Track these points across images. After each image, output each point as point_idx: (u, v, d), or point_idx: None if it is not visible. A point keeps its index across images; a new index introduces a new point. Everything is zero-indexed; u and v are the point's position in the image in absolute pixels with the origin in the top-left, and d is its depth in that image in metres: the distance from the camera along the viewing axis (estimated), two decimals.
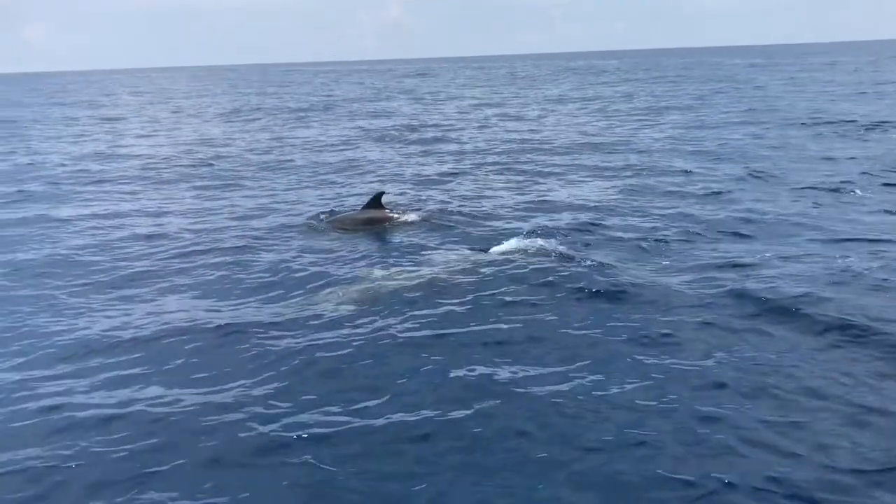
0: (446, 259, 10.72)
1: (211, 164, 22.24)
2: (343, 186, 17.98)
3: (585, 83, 67.72)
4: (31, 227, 14.20)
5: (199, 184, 18.83)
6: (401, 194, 16.51)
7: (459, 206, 14.97)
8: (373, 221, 13.45)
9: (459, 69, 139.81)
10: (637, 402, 6.12)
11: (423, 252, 11.36)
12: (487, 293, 9.08)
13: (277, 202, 16.16)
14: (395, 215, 13.74)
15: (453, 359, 7.12)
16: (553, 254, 10.67)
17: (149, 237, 13.08)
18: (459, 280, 9.65)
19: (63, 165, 23.15)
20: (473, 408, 6.07)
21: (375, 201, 13.71)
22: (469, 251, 11.19)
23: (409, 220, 13.66)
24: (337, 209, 14.76)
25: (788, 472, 5.01)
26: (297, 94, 66.44)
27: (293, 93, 68.28)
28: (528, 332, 7.79)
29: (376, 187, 17.28)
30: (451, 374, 6.76)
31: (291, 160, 22.78)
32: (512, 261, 10.43)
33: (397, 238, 12.59)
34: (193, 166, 22.07)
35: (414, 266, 10.46)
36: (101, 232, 13.73)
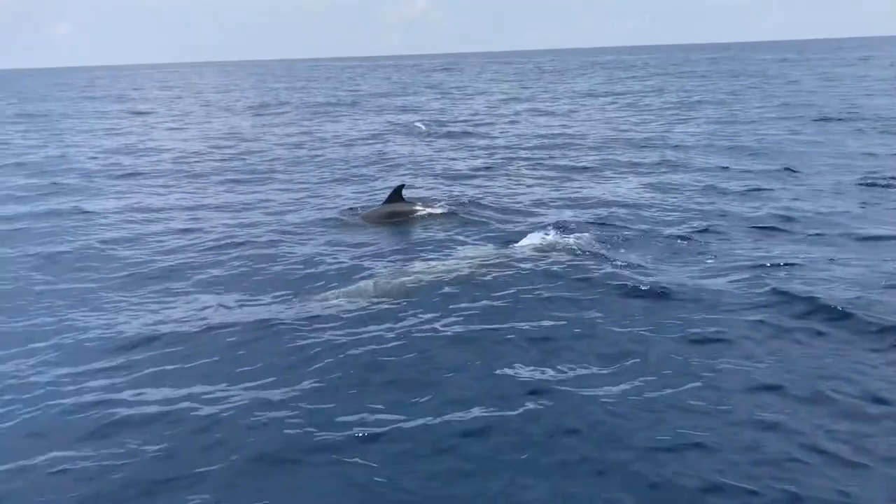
0: (479, 253, 10.61)
1: (243, 158, 22.29)
2: (375, 180, 17.90)
3: (614, 78, 67.11)
4: (65, 220, 14.28)
5: (231, 177, 18.86)
6: (432, 188, 16.42)
7: (490, 200, 14.85)
8: (397, 215, 13.37)
9: (485, 64, 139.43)
10: (689, 402, 5.95)
11: (455, 246, 11.29)
12: (525, 289, 8.95)
13: (310, 196, 16.12)
14: (419, 208, 13.65)
15: (497, 355, 7.00)
16: (588, 251, 10.50)
17: (183, 231, 13.09)
18: (495, 274, 9.53)
19: (95, 158, 23.35)
20: (522, 406, 5.95)
21: (396, 194, 13.59)
22: (501, 246, 11.09)
23: (436, 212, 13.61)
24: (367, 204, 14.68)
25: (858, 486, 4.80)
26: (325, 88, 66.63)
27: (321, 87, 68.50)
28: (571, 329, 7.64)
29: (406, 181, 17.22)
30: (497, 371, 6.64)
31: (321, 154, 22.76)
32: (546, 256, 10.30)
33: (427, 232, 12.49)
34: (225, 160, 22.13)
35: (446, 260, 10.38)
36: (135, 225, 13.77)
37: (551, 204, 14.41)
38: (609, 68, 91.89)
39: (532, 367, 6.69)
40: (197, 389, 6.50)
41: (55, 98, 64.21)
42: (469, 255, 10.60)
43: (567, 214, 13.28)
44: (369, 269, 10.10)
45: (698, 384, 6.28)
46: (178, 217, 14.37)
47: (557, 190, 15.84)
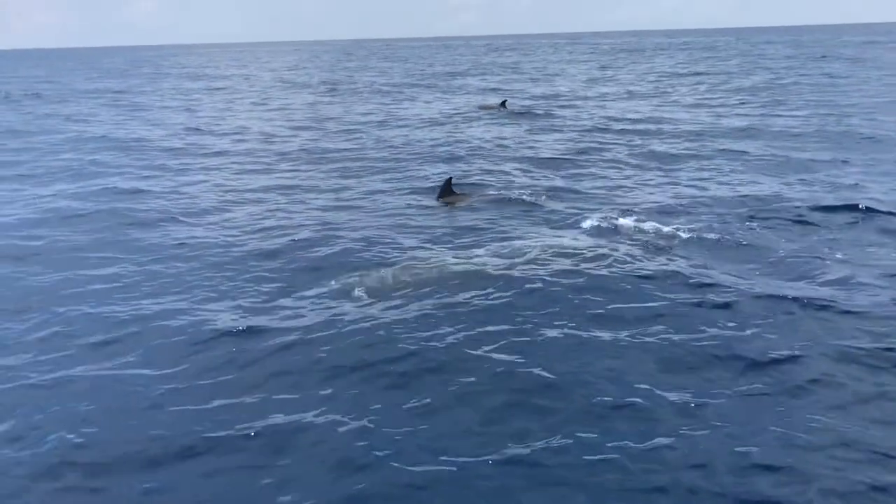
0: (563, 243, 10.11)
1: (324, 137, 21.98)
2: (458, 161, 17.23)
3: (695, 58, 64.50)
4: (153, 202, 14.08)
5: (314, 157, 18.53)
6: (513, 173, 15.71)
7: (574, 187, 14.28)
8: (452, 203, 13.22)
9: (559, 45, 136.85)
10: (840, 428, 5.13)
11: (495, 237, 10.78)
12: (550, 288, 8.35)
13: (396, 177, 15.70)
14: (474, 197, 13.42)
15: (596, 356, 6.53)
16: (686, 254, 9.64)
17: (273, 210, 12.78)
18: (582, 267, 9.01)
19: (177, 136, 23.39)
20: (633, 425, 5.42)
21: (447, 186, 13.40)
22: (554, 235, 10.64)
23: (491, 200, 13.28)
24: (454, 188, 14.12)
25: None
26: (399, 68, 66.22)
27: (395, 67, 68.14)
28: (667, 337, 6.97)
29: (496, 166, 16.55)
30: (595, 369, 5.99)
31: (404, 135, 22.27)
32: (643, 253, 9.62)
33: (477, 221, 11.90)
34: (309, 140, 21.86)
35: (528, 248, 9.87)
36: (232, 207, 13.50)
37: (640, 197, 13.37)
38: (687, 49, 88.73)
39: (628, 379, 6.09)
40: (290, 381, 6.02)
41: (140, 75, 65.58)
42: (516, 246, 10.07)
43: (666, 209, 12.31)
44: (449, 251, 9.93)
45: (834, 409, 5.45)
46: (261, 198, 14.07)
47: (647, 180, 14.85)
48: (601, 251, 9.65)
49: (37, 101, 38.62)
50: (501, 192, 13.85)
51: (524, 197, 13.32)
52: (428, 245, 10.43)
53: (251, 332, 7.32)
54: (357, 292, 8.34)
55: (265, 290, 8.67)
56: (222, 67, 79.88)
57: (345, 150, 19.61)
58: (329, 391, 6.08)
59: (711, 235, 10.38)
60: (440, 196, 13.30)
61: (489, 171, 16.02)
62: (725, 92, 33.05)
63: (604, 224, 11.15)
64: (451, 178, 13.49)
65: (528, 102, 30.78)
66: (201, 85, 50.22)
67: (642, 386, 5.99)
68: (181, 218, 12.53)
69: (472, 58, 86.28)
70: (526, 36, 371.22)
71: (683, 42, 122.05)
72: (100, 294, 8.64)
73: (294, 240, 10.84)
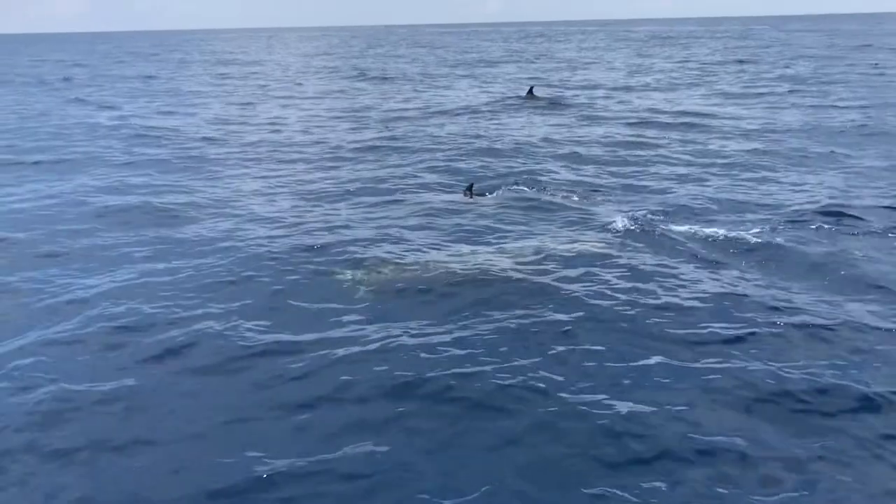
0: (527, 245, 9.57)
1: (364, 127, 21.40)
2: (501, 155, 16.53)
3: (732, 47, 62.89)
4: (187, 197, 13.59)
5: (357, 148, 17.95)
6: (565, 168, 14.93)
7: (619, 184, 13.57)
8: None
9: (588, 31, 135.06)
10: None
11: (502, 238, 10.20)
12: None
13: (430, 169, 15.22)
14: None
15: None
16: (749, 266, 8.82)
17: (317, 199, 12.24)
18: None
19: (217, 126, 22.95)
20: (707, 476, 4.76)
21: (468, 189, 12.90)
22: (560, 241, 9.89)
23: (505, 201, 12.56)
24: (481, 184, 13.54)
25: None
26: (431, 55, 65.36)
27: (427, 54, 67.28)
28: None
29: (534, 161, 15.85)
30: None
31: (442, 124, 21.65)
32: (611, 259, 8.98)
33: (538, 220, 11.27)
34: (349, 130, 21.32)
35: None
36: (268, 201, 13.00)
37: (690, 198, 12.40)
38: (721, 37, 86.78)
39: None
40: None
41: (178, 61, 65.44)
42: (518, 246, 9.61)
43: (699, 209, 11.60)
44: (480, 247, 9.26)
45: None
46: (305, 189, 13.55)
47: (698, 179, 13.93)
48: (642, 258, 8.98)
49: (70, 87, 38.46)
50: (538, 188, 13.19)
51: (560, 194, 12.67)
52: (453, 244, 9.96)
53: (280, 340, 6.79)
54: (362, 290, 8.07)
55: (294, 289, 8.22)
56: (252, 53, 79.59)
57: (383, 141, 19.02)
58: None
59: (777, 246, 9.40)
60: (467, 191, 12.72)
61: (527, 166, 15.36)
62: (770, 81, 31.92)
63: (647, 228, 10.27)
64: (472, 185, 12.78)
65: (567, 93, 29.87)
66: (232, 71, 49.84)
67: (712, 428, 5.31)
68: (219, 212, 12.01)
69: (504, 45, 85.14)
70: (554, 23, 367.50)
71: (717, 30, 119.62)
72: (134, 294, 8.15)
73: (325, 233, 10.45)
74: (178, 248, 10.05)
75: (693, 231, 10.07)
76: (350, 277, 8.46)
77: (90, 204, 12.70)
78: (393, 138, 19.45)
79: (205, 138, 20.05)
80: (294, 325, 7.27)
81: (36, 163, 16.74)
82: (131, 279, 8.70)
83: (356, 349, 6.60)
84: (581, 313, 7.33)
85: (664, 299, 7.66)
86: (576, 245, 9.54)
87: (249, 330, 7.14)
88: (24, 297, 8.28)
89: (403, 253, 9.45)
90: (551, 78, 37.95)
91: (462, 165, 15.56)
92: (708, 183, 13.57)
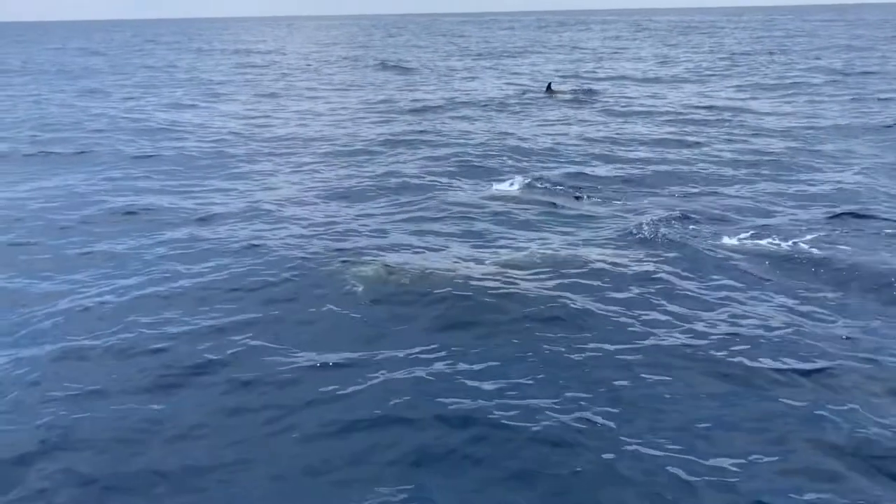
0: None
1: (393, 124, 20.95)
2: (530, 154, 15.98)
3: (758, 37, 61.52)
4: (218, 198, 13.20)
5: (385, 141, 17.49)
6: (593, 166, 14.40)
7: (654, 184, 12.98)
8: None
9: (608, 21, 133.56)
10: None
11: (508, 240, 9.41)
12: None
13: (461, 166, 14.79)
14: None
15: None
16: (811, 289, 8.05)
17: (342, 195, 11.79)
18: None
19: (245, 120, 22.56)
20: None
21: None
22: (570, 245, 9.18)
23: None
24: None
25: None
26: (451, 44, 64.62)
27: (447, 44, 66.53)
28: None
29: (566, 158, 15.26)
30: None
31: (470, 117, 21.16)
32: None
33: (564, 223, 10.74)
34: (379, 122, 20.87)
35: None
36: (298, 202, 12.59)
37: (732, 203, 11.69)
38: (746, 28, 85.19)
39: None
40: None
41: (202, 51, 65.13)
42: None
43: (739, 215, 10.93)
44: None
45: None
46: (337, 186, 13.12)
47: (743, 182, 13.16)
48: (685, 272, 8.30)
49: (90, 76, 38.22)
50: (572, 189, 12.63)
51: (595, 197, 12.10)
52: (485, 245, 9.60)
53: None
54: (359, 288, 7.88)
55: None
56: (271, 42, 79.14)
57: (412, 135, 18.54)
58: None
59: (837, 258, 8.63)
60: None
61: (560, 165, 14.81)
62: (803, 72, 31.07)
63: (689, 235, 9.61)
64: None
65: (597, 86, 29.13)
66: (254, 60, 49.43)
67: (794, 484, 4.68)
68: (247, 213, 11.58)
69: (525, 34, 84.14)
70: (573, 12, 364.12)
71: (739, 20, 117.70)
72: (152, 303, 7.77)
73: (356, 236, 10.04)
74: (204, 249, 9.65)
75: (742, 241, 9.43)
76: (377, 279, 8.08)
77: (109, 203, 12.31)
78: (422, 131, 18.98)
79: (232, 133, 19.64)
80: (316, 341, 6.87)
81: (54, 154, 16.54)
82: (152, 284, 8.34)
83: (386, 374, 6.13)
84: (625, 336, 6.72)
85: (719, 326, 6.93)
86: (607, 255, 8.92)
87: (281, 345, 6.74)
88: (38, 303, 7.92)
89: (437, 259, 9.00)
90: (580, 69, 37.18)
91: (493, 164, 14.99)
92: (755, 185, 12.91)
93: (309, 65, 45.01)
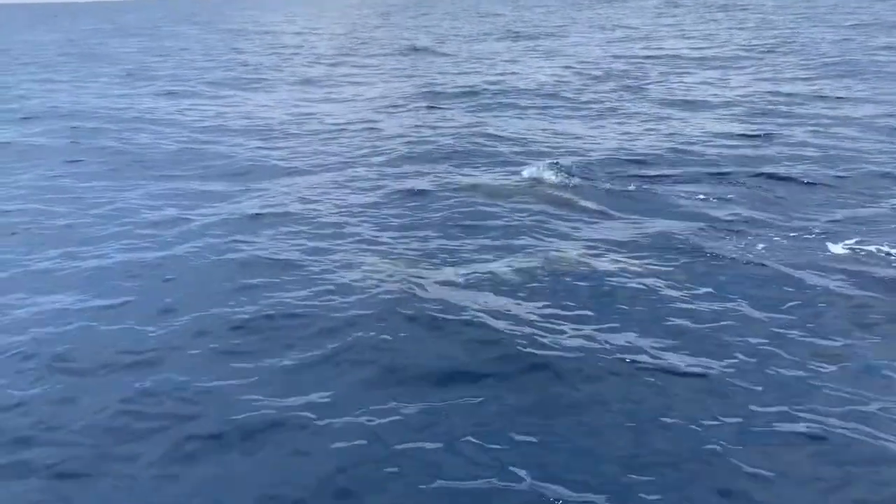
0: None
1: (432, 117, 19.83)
2: (575, 151, 14.81)
3: (802, 12, 58.82)
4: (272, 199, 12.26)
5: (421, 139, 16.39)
6: (650, 166, 13.18)
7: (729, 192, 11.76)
8: None
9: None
10: None
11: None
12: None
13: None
14: None
15: None
16: None
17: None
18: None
19: (286, 110, 21.56)
20: None
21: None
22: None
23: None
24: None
25: None
26: (490, 23, 62.80)
27: (480, 22, 64.73)
28: None
29: (641, 168, 14.06)
30: None
31: (522, 108, 20.04)
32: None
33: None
34: (422, 111, 19.76)
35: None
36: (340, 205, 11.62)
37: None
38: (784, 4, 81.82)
39: None
40: None
41: (226, 31, 64.18)
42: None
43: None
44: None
45: None
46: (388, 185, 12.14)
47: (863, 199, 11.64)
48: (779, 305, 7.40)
49: (114, 63, 37.41)
50: (637, 192, 11.75)
51: (668, 204, 11.12)
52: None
53: None
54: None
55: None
56: (298, 22, 77.81)
57: (465, 128, 17.41)
58: None
59: None
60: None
61: (624, 167, 13.65)
62: (884, 53, 29.12)
63: (785, 258, 8.58)
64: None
65: (651, 70, 27.53)
66: (275, 42, 48.26)
67: None
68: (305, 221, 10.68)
69: (561, 12, 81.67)
70: None
71: None
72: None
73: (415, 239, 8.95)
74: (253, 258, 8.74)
75: (844, 256, 8.46)
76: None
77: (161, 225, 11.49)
78: (478, 123, 17.92)
79: (279, 128, 18.71)
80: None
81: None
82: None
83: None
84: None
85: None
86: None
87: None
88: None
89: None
90: (630, 52, 35.07)
91: (543, 156, 14.17)
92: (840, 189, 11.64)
93: (341, 46, 43.79)
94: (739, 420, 5.61)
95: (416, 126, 18.07)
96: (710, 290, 7.81)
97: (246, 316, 7.62)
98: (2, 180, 14.02)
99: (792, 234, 9.51)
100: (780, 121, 17.06)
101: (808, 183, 11.95)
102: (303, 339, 7.08)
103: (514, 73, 27.63)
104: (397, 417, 5.73)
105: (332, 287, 8.28)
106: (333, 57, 37.72)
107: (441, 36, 49.30)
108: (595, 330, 6.98)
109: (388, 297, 7.85)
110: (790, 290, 7.75)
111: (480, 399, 5.95)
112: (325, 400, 6.03)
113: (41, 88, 27.72)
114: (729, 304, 7.47)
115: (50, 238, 10.67)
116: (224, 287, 8.47)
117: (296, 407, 5.93)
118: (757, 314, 7.24)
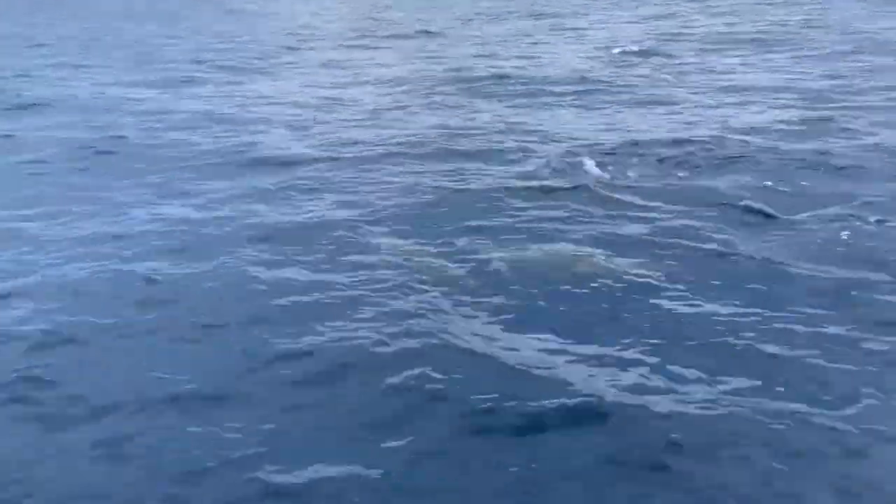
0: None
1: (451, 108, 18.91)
2: (615, 151, 13.88)
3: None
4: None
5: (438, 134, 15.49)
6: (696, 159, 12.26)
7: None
8: None
9: None
10: None
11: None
12: None
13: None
14: None
15: None
16: None
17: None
18: None
19: (312, 99, 20.74)
20: None
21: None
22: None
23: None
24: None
25: None
26: (503, 6, 61.18)
27: (495, 5, 63.11)
28: None
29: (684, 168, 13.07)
30: None
31: (553, 98, 19.06)
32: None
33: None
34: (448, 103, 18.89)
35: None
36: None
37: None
38: None
39: None
40: None
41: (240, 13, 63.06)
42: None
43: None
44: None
45: None
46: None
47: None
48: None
49: (109, 58, 36.52)
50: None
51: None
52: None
53: None
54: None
55: None
56: (307, 5, 76.32)
57: (492, 122, 16.55)
58: None
59: None
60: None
61: (658, 165, 12.73)
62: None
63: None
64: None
65: (689, 58, 26.11)
66: (284, 27, 47.00)
67: None
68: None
69: None
70: None
71: None
72: None
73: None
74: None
75: None
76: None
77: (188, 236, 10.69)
78: (501, 115, 17.05)
79: (307, 116, 17.87)
80: None
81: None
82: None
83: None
84: None
85: None
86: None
87: None
88: None
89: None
90: (659, 30, 33.41)
91: (580, 150, 13.41)
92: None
93: (352, 31, 42.59)
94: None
95: (448, 116, 17.23)
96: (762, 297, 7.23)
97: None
98: (5, 171, 13.52)
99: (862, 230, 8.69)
100: (834, 105, 16.06)
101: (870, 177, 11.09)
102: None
103: (540, 57, 26.52)
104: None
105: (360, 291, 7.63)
106: (351, 39, 36.64)
107: (461, 17, 47.96)
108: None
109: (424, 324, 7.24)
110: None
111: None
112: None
113: (54, 76, 26.90)
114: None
115: (68, 241, 10.03)
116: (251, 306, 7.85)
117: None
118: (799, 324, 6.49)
